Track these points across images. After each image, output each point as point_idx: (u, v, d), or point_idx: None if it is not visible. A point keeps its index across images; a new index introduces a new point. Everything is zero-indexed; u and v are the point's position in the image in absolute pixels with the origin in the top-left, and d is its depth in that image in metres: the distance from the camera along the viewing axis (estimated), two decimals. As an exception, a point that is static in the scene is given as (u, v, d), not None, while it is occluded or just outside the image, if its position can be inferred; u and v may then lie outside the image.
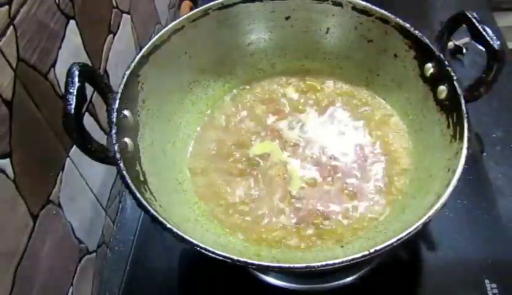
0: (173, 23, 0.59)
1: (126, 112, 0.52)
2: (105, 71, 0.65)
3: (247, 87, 0.67)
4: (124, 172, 0.47)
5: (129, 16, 0.73)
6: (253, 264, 0.44)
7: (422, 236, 0.60)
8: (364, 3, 0.61)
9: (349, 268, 0.57)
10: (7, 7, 0.43)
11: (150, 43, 0.57)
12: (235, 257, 0.43)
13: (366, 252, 0.42)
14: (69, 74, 0.45)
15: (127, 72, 0.54)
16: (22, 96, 0.46)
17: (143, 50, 0.56)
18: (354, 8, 0.61)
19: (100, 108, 0.61)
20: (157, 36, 0.58)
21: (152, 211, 0.45)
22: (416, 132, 0.60)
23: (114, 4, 0.68)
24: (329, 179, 0.58)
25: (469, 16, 0.51)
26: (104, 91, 0.51)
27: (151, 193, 0.50)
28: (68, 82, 0.45)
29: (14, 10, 0.45)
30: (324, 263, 0.42)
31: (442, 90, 0.54)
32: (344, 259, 0.42)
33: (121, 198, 0.70)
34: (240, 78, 0.68)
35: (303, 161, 0.60)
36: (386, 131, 0.61)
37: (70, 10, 0.55)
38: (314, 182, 0.58)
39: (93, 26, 0.61)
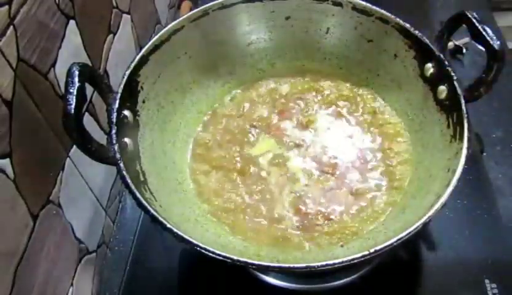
0: (173, 23, 0.59)
1: (126, 112, 0.52)
2: (105, 71, 0.65)
3: (247, 87, 0.68)
4: (124, 172, 0.47)
5: (129, 16, 0.73)
6: (253, 264, 0.44)
7: (422, 236, 0.60)
8: (363, 3, 0.61)
9: (349, 268, 0.57)
10: (7, 7, 0.43)
11: (150, 43, 0.57)
12: (235, 257, 0.43)
13: (366, 252, 0.42)
14: (69, 74, 0.45)
15: (127, 72, 0.54)
16: (22, 96, 0.46)
17: (143, 50, 0.56)
18: (354, 8, 0.61)
19: (100, 108, 0.61)
20: (157, 36, 0.58)
21: (152, 211, 0.45)
22: (416, 132, 0.60)
23: (114, 4, 0.68)
24: (330, 179, 0.58)
25: (469, 16, 0.51)
26: (104, 91, 0.51)
27: (151, 193, 0.50)
28: (68, 82, 0.45)
29: (14, 10, 0.44)
30: (323, 263, 0.42)
31: (442, 90, 0.54)
32: (344, 259, 0.42)
33: (121, 198, 0.70)
34: (240, 78, 0.68)
35: (303, 161, 0.60)
36: (386, 131, 0.61)
37: (70, 10, 0.55)
38: (315, 182, 0.58)
39: (93, 26, 0.61)
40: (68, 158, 0.55)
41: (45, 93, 0.50)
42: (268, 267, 0.45)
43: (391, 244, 0.42)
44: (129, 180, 0.47)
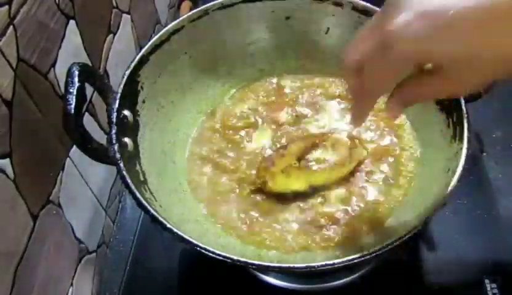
0: (173, 23, 0.59)
1: (126, 112, 0.52)
2: (105, 71, 0.65)
3: (247, 86, 0.67)
4: (124, 172, 0.47)
5: (129, 16, 0.73)
6: (253, 264, 0.44)
7: (422, 236, 0.60)
8: (363, 3, 0.61)
9: (349, 268, 0.57)
10: (7, 7, 0.43)
11: (150, 43, 0.57)
12: (235, 257, 0.43)
13: (366, 252, 0.42)
14: (69, 74, 0.45)
15: (127, 72, 0.54)
16: (22, 96, 0.46)
17: (143, 50, 0.56)
18: (354, 8, 0.61)
19: (100, 108, 0.61)
20: (157, 36, 0.58)
21: (152, 211, 0.45)
22: (416, 132, 0.60)
23: (114, 4, 0.68)
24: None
25: (469, 16, 0.51)
26: (104, 91, 0.51)
27: (151, 193, 0.50)
28: (68, 82, 0.45)
29: (14, 10, 0.44)
30: (323, 263, 0.42)
31: (442, 90, 0.54)
32: (344, 259, 0.42)
33: (121, 198, 0.70)
34: (240, 78, 0.68)
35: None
36: (386, 131, 0.61)
37: (70, 10, 0.55)
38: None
39: (93, 26, 0.61)
40: (68, 158, 0.55)
41: (45, 93, 0.50)
42: (267, 267, 0.45)
43: (391, 244, 0.42)
44: (129, 180, 0.47)
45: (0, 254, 0.43)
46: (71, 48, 0.55)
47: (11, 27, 0.44)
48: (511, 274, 0.57)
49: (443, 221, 0.61)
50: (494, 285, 0.55)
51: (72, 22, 0.55)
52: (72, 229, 0.56)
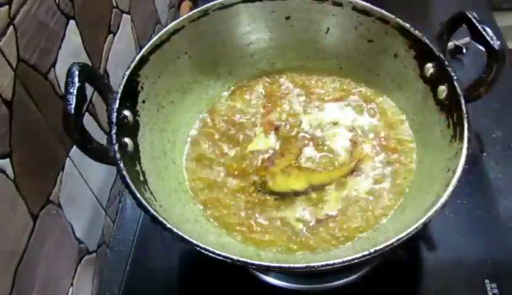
0: (173, 23, 0.59)
1: (126, 112, 0.52)
2: (105, 71, 0.65)
3: (246, 86, 0.67)
4: (124, 172, 0.47)
5: (129, 16, 0.73)
6: (253, 264, 0.44)
7: (422, 236, 0.60)
8: (364, 3, 0.61)
9: (349, 268, 0.57)
10: (7, 7, 0.43)
11: (150, 43, 0.57)
12: (235, 257, 0.43)
13: (366, 252, 0.42)
14: (69, 74, 0.45)
15: (127, 72, 0.54)
16: (22, 96, 0.46)
17: (143, 50, 0.56)
18: (354, 8, 0.61)
19: (100, 108, 0.61)
20: (157, 36, 0.58)
21: (152, 211, 0.45)
22: (416, 132, 0.60)
23: (114, 4, 0.68)
24: (329, 172, 0.58)
25: (469, 16, 0.51)
26: (104, 91, 0.51)
27: (151, 193, 0.50)
28: (68, 82, 0.45)
29: (14, 10, 0.45)
30: (324, 263, 0.42)
31: (442, 90, 0.54)
32: (344, 259, 0.42)
33: (121, 198, 0.70)
34: (240, 78, 0.68)
35: (303, 159, 0.60)
36: (386, 131, 0.61)
37: (70, 10, 0.55)
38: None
39: (93, 26, 0.61)
40: (68, 158, 0.55)
41: (45, 93, 0.50)
42: (268, 267, 0.45)
43: (391, 244, 0.42)
44: (129, 180, 0.47)
45: (0, 254, 0.43)
46: (71, 48, 0.55)
47: (11, 27, 0.44)
48: (511, 274, 0.57)
49: (443, 221, 0.61)
50: (494, 285, 0.55)
51: (72, 22, 0.55)
52: (72, 229, 0.56)
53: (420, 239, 0.60)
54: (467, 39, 0.81)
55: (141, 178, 0.51)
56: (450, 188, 0.45)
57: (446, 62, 0.54)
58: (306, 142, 0.61)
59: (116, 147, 0.48)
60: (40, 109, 0.49)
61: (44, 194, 0.50)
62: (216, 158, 0.61)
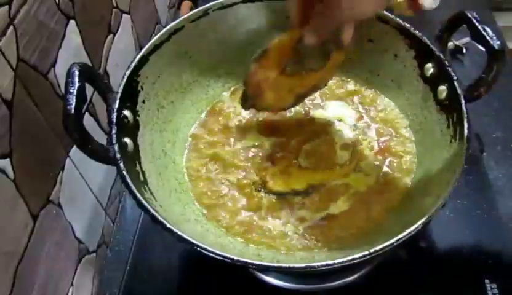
0: (173, 23, 0.59)
1: (126, 112, 0.53)
2: (105, 71, 0.65)
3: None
4: (124, 172, 0.47)
5: (129, 16, 0.73)
6: (253, 264, 0.44)
7: (422, 236, 0.60)
8: (364, 3, 0.60)
9: (349, 268, 0.57)
10: (7, 7, 0.43)
11: (150, 43, 0.57)
12: (235, 257, 0.43)
13: (366, 252, 0.42)
14: (69, 74, 0.45)
15: (127, 72, 0.54)
16: (22, 96, 0.46)
17: (143, 50, 0.56)
18: (354, 8, 0.61)
19: (100, 108, 0.61)
20: (157, 36, 0.58)
21: (152, 211, 0.45)
22: (416, 132, 0.60)
23: (114, 4, 0.68)
24: (328, 173, 0.58)
25: (469, 16, 0.51)
26: (104, 91, 0.51)
27: (151, 193, 0.50)
28: (68, 82, 0.45)
29: (14, 10, 0.45)
30: (324, 263, 0.42)
31: (442, 90, 0.54)
32: (344, 259, 0.42)
33: (121, 198, 0.70)
34: (241, 78, 0.67)
35: (303, 159, 0.60)
36: (386, 131, 0.61)
37: (70, 10, 0.55)
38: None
39: (93, 26, 0.61)
40: (68, 158, 0.55)
41: (45, 93, 0.50)
42: (268, 267, 0.45)
43: (391, 244, 0.42)
44: (129, 180, 0.47)
45: (0, 254, 0.43)
46: (71, 48, 0.55)
47: (11, 27, 0.44)
48: (511, 274, 0.57)
49: (443, 221, 0.61)
50: (494, 285, 0.55)
51: (72, 22, 0.55)
52: (72, 229, 0.56)
53: (420, 239, 0.60)
54: (467, 39, 0.81)
55: (141, 178, 0.51)
56: (450, 188, 0.45)
57: (446, 62, 0.54)
58: (306, 141, 0.61)
59: (116, 147, 0.48)
60: (40, 109, 0.49)
61: (44, 194, 0.50)
62: (217, 158, 0.60)
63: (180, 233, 0.44)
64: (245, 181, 0.58)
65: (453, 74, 0.52)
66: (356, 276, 0.57)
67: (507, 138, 0.71)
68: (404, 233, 0.43)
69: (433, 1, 0.82)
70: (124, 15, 0.71)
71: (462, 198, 0.63)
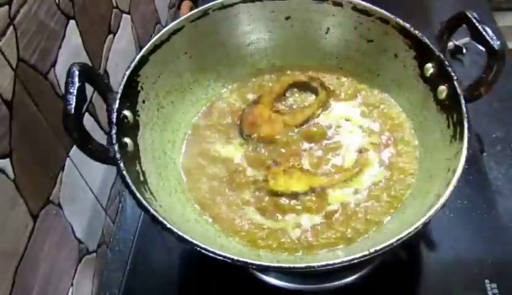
0: (173, 23, 0.59)
1: (126, 112, 0.53)
2: (105, 71, 0.65)
3: (246, 85, 0.67)
4: (124, 172, 0.47)
5: (129, 16, 0.73)
6: (253, 264, 0.44)
7: (422, 236, 0.60)
8: (364, 3, 0.61)
9: (349, 268, 0.57)
10: (7, 7, 0.43)
11: (150, 43, 0.57)
12: (235, 257, 0.43)
13: (366, 252, 0.42)
14: (69, 74, 0.45)
15: (127, 72, 0.54)
16: (22, 96, 0.46)
17: (143, 50, 0.56)
18: (354, 8, 0.61)
19: (100, 108, 0.61)
20: (157, 36, 0.58)
21: (152, 211, 0.45)
22: (416, 132, 0.60)
23: (114, 4, 0.68)
24: (331, 176, 0.58)
25: (469, 16, 0.51)
26: (104, 91, 0.51)
27: (151, 193, 0.50)
28: (68, 82, 0.45)
29: (14, 10, 0.45)
30: (324, 263, 0.42)
31: (442, 90, 0.54)
32: (344, 259, 0.42)
33: (121, 198, 0.70)
34: (241, 78, 0.68)
35: (307, 162, 0.60)
36: (386, 130, 0.61)
37: (70, 10, 0.55)
38: (316, 181, 0.58)
39: (93, 26, 0.61)
40: (68, 158, 0.55)
41: (45, 93, 0.51)
42: (268, 267, 0.45)
43: (391, 244, 0.42)
44: (129, 181, 0.47)
45: (0, 254, 0.43)
46: (71, 48, 0.55)
47: (11, 27, 0.44)
48: (511, 274, 0.57)
49: (443, 221, 0.61)
50: (494, 285, 0.55)
51: (72, 22, 0.55)
52: (72, 229, 0.56)
53: (420, 239, 0.60)
54: (467, 39, 0.81)
55: (141, 178, 0.51)
56: (450, 188, 0.45)
57: (446, 62, 0.54)
58: (307, 143, 0.61)
59: (116, 147, 0.48)
60: (40, 109, 0.49)
61: (44, 194, 0.50)
62: (217, 158, 0.60)
63: (180, 233, 0.44)
64: (245, 181, 0.58)
65: (453, 74, 0.52)
66: (356, 276, 0.57)
67: (507, 138, 0.71)
68: (404, 233, 0.43)
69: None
70: (124, 15, 0.71)
71: (462, 198, 0.63)
